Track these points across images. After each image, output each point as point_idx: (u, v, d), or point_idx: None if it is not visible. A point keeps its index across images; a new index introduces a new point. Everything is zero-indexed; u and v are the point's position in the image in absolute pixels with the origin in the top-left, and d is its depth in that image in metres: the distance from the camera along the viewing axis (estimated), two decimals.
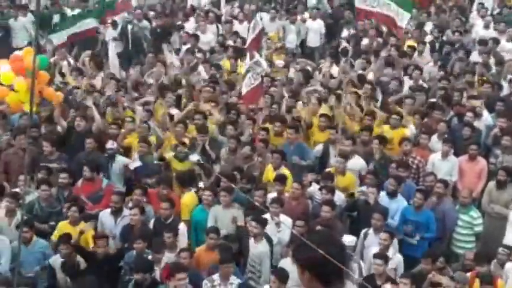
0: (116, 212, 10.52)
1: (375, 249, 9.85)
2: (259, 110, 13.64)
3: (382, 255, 9.54)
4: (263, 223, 10.01)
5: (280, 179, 11.19)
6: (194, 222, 10.68)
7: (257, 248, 9.97)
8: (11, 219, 10.19)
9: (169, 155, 11.88)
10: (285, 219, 10.37)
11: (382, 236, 9.89)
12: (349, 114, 13.10)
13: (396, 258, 9.92)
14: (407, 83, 14.94)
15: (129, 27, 17.25)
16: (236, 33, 17.89)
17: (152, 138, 12.31)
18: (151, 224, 10.48)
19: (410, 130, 12.87)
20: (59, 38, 14.97)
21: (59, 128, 12.57)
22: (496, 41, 16.64)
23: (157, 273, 9.45)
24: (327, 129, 12.73)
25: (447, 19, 18.95)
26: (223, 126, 12.89)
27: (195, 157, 11.15)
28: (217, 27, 18.86)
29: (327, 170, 11.75)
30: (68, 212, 10.24)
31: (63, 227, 10.18)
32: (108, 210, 10.58)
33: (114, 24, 17.55)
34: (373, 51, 16.37)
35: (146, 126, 12.36)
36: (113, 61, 15.92)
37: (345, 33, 18.78)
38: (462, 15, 19.26)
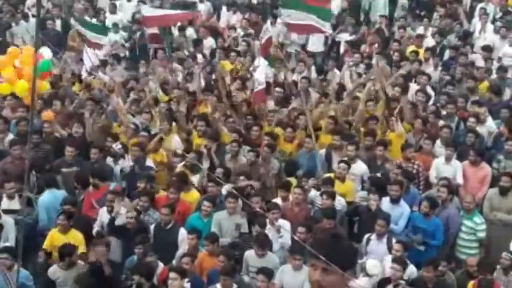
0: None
1: (388, 256, 9.71)
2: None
3: (401, 261, 9.41)
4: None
5: (285, 186, 11.15)
6: (188, 227, 10.46)
7: (265, 263, 9.67)
8: None
9: (179, 166, 11.73)
10: (284, 223, 10.28)
11: (395, 246, 9.76)
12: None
13: (409, 269, 9.66)
14: (413, 88, 14.82)
15: (138, 33, 17.32)
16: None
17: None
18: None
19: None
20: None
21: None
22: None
23: (154, 278, 9.39)
24: (331, 132, 12.64)
25: (449, 24, 18.84)
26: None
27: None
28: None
29: (328, 175, 11.66)
30: (57, 221, 10.21)
31: (54, 235, 10.11)
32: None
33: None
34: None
35: (145, 133, 12.41)
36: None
37: (344, 37, 18.65)
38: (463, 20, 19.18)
